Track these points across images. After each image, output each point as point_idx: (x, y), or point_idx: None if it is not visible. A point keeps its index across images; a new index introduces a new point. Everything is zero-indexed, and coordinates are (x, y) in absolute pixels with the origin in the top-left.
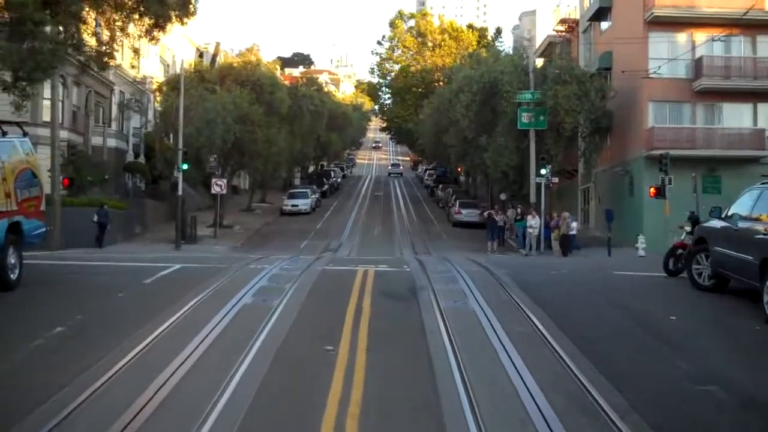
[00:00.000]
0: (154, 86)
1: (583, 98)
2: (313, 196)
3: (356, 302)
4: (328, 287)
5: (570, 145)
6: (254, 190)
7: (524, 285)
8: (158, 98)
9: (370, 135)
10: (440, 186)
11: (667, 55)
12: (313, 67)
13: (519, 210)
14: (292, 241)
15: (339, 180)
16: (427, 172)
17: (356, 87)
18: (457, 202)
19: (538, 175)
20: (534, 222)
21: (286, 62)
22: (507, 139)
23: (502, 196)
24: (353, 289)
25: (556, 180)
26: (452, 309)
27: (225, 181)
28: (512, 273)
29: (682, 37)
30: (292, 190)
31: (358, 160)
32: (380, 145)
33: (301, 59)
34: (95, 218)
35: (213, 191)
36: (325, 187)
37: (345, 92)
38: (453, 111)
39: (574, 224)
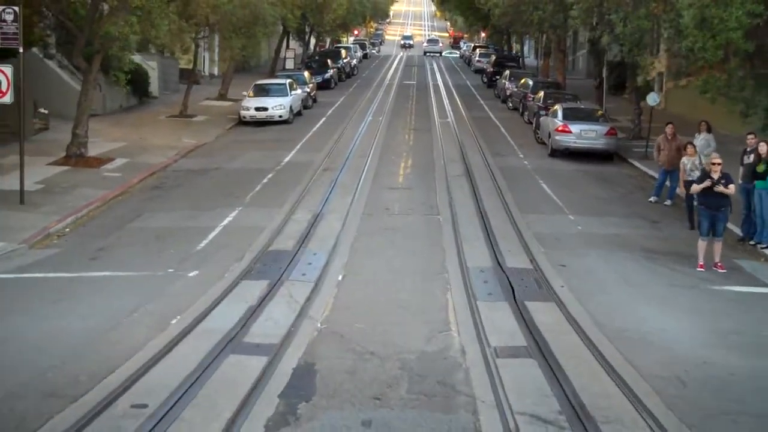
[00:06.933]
0: None
1: None
2: (297, 91)
3: None
4: None
5: None
6: (191, 83)
7: None
8: None
9: (402, 7)
10: (507, 74)
11: None
12: None
13: (763, 152)
14: (207, 214)
15: (354, 62)
16: (479, 51)
17: None
18: (560, 110)
19: None
20: None
21: None
22: None
23: (652, 100)
24: None
25: None
26: None
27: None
28: None
29: None
30: (259, 82)
31: (388, 36)
32: (412, 43)
33: None
34: None
35: None
36: (329, 73)
37: None
38: None
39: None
